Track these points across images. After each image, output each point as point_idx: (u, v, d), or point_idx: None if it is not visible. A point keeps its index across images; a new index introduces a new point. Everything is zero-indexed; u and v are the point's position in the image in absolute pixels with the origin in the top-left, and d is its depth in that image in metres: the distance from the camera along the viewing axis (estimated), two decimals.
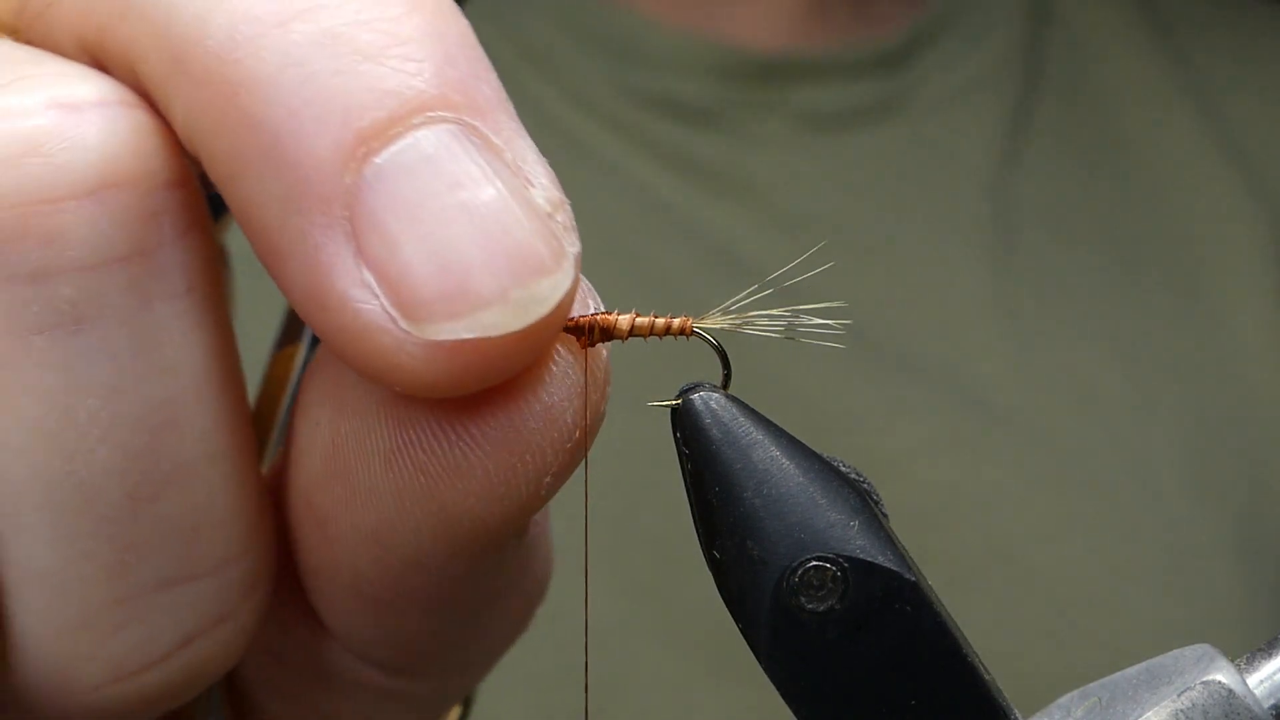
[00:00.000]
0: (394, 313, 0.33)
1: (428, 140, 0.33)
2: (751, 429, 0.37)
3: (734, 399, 0.37)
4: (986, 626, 0.98)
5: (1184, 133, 1.21)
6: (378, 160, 0.33)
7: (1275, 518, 1.09)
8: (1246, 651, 0.36)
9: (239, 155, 0.33)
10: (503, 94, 0.35)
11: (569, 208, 0.35)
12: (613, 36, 1.12)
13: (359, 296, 0.33)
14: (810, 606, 0.36)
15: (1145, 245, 1.16)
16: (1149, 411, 1.09)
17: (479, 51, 0.35)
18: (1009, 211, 1.15)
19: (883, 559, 0.36)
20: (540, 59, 1.12)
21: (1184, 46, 1.25)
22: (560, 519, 0.46)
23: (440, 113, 0.33)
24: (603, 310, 0.38)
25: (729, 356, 0.39)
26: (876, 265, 1.11)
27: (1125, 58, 1.23)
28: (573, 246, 0.35)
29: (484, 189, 0.33)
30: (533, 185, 0.34)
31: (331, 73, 0.33)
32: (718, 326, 0.39)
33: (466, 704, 0.54)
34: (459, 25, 0.35)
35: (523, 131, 0.35)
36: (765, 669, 0.37)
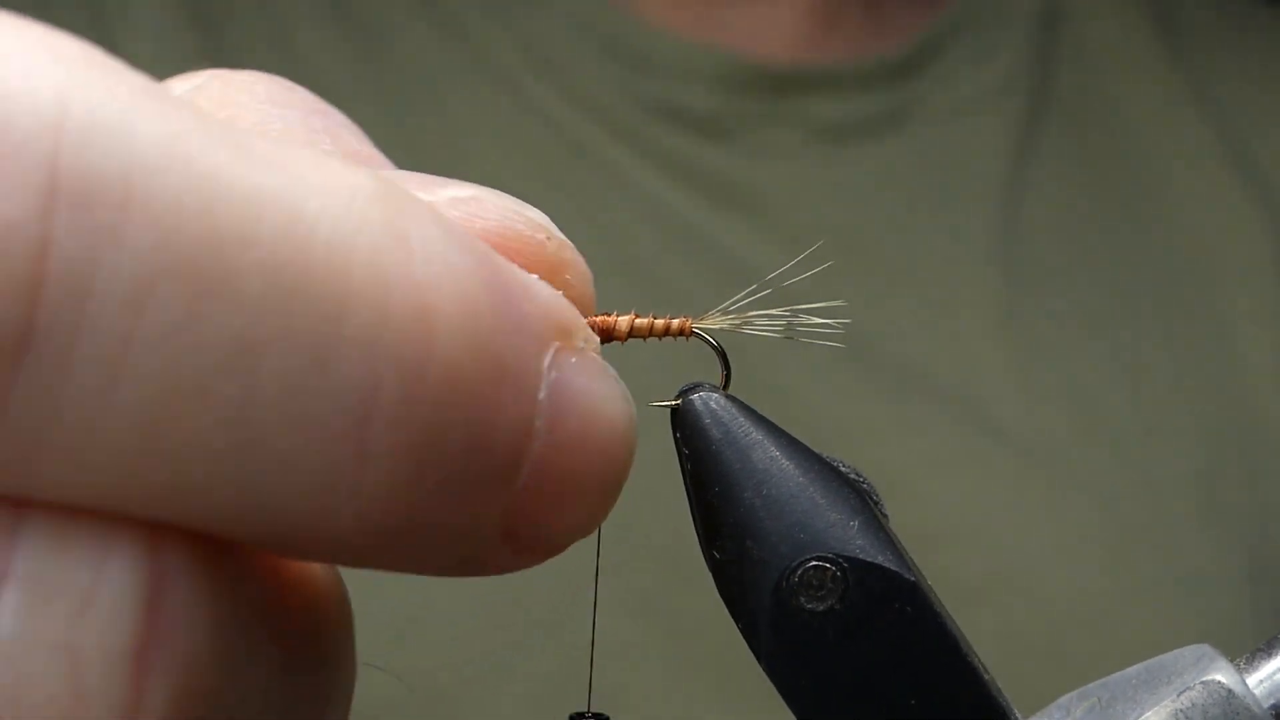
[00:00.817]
0: None
1: None
2: (751, 429, 0.37)
3: (734, 399, 0.38)
4: (990, 645, 0.97)
5: (1195, 150, 1.20)
6: None
7: None
8: (1246, 652, 0.36)
9: None
10: None
11: None
12: (621, 44, 1.12)
13: None
14: (810, 606, 0.36)
15: (1154, 263, 1.16)
16: (1156, 432, 1.09)
17: None
18: (1017, 226, 1.15)
19: (882, 559, 0.36)
20: (547, 64, 1.12)
21: (1197, 62, 1.24)
22: None
23: None
24: (602, 312, 0.38)
25: (729, 357, 0.39)
26: (883, 278, 1.10)
27: (1136, 73, 1.23)
28: None
29: None
30: None
31: None
32: (717, 327, 0.39)
33: None
34: None
35: None
36: (765, 669, 0.37)
